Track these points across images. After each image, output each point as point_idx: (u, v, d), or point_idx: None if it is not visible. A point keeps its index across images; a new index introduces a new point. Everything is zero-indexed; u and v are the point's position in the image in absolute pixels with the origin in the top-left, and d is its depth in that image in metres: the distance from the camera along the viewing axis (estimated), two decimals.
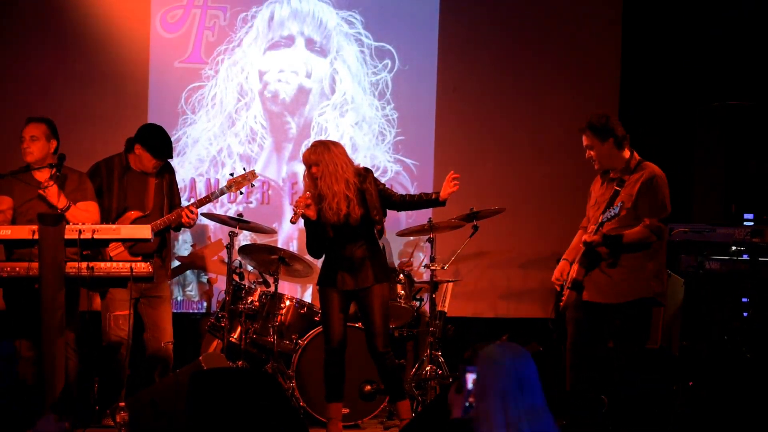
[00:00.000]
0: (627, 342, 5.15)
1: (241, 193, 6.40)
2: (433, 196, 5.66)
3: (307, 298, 7.15)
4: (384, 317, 5.55)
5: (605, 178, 5.38)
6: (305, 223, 5.58)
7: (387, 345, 5.56)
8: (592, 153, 5.29)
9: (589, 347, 5.26)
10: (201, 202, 6.11)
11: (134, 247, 5.86)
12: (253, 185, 6.32)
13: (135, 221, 5.94)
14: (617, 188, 5.22)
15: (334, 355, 5.57)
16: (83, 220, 5.47)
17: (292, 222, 5.55)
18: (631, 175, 5.22)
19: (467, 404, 3.12)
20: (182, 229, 6.32)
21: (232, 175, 6.23)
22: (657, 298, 5.20)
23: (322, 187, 5.41)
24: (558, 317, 5.46)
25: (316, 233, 5.54)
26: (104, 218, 5.82)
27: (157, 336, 6.06)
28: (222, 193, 6.19)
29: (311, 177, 5.46)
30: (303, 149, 5.80)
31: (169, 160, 6.15)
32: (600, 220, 5.13)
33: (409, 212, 7.42)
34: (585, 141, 5.31)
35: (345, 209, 5.41)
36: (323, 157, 5.42)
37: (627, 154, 5.27)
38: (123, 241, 5.64)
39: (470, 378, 3.13)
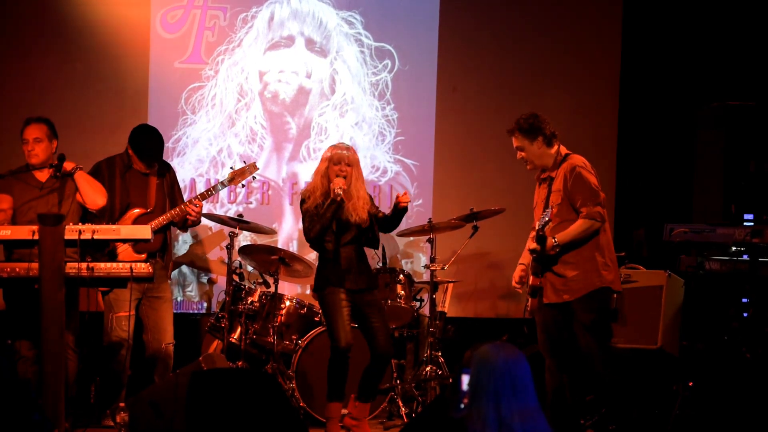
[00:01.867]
0: (596, 336, 5.16)
1: (243, 185, 6.42)
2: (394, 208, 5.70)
3: (307, 298, 7.15)
4: (386, 319, 5.75)
5: (539, 180, 5.42)
6: (323, 208, 5.53)
7: (391, 345, 5.73)
8: (523, 154, 5.34)
9: (559, 349, 5.28)
10: (203, 196, 6.13)
11: (138, 245, 5.87)
12: (254, 177, 6.33)
13: (138, 218, 5.96)
14: (549, 187, 5.27)
15: (343, 355, 5.57)
16: (93, 184, 5.59)
17: (338, 200, 5.48)
18: (558, 170, 5.26)
19: (461, 405, 3.13)
20: (188, 228, 6.33)
21: (232, 168, 6.26)
22: (611, 287, 5.22)
23: (351, 189, 5.59)
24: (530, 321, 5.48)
25: (328, 219, 5.55)
26: (107, 216, 5.83)
27: (158, 337, 6.06)
28: (224, 185, 6.20)
29: (333, 172, 5.55)
30: (315, 148, 5.77)
31: (157, 162, 6.13)
32: (537, 227, 5.17)
33: (409, 212, 7.42)
34: (515, 143, 5.36)
35: (365, 216, 5.64)
36: (357, 161, 5.68)
37: (554, 150, 5.30)
38: (123, 241, 5.65)
39: (465, 379, 3.14)
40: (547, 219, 5.09)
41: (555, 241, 5.11)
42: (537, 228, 5.15)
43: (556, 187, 5.23)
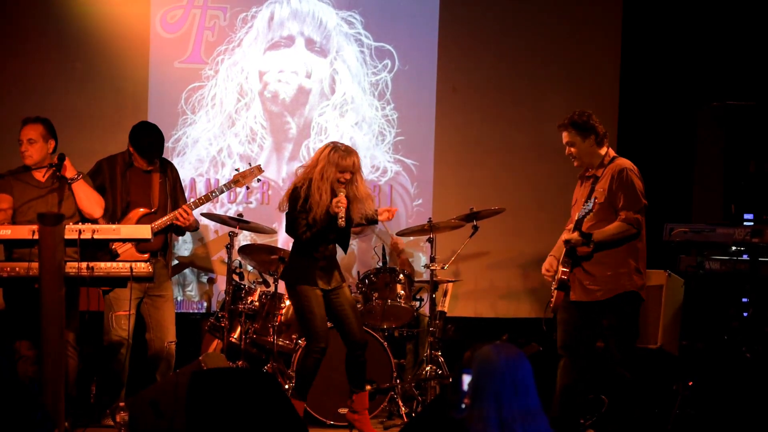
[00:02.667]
0: (619, 338, 5.15)
1: (248, 188, 6.42)
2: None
3: None
4: (357, 311, 5.72)
5: (582, 178, 5.42)
6: (322, 221, 5.38)
7: (364, 335, 5.71)
8: (572, 150, 5.33)
9: (578, 348, 5.26)
10: (207, 198, 6.12)
11: (140, 244, 5.87)
12: (259, 180, 6.33)
13: (141, 218, 5.95)
14: (593, 185, 5.26)
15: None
16: (90, 196, 5.57)
17: (341, 226, 5.37)
18: (605, 170, 5.25)
19: (462, 405, 3.12)
20: (184, 233, 6.33)
21: (237, 170, 6.26)
22: (639, 292, 5.21)
23: (358, 192, 5.50)
24: (550, 318, 5.46)
25: (325, 232, 5.47)
26: (109, 215, 5.82)
27: (160, 336, 6.06)
28: (228, 187, 6.20)
29: (337, 180, 5.41)
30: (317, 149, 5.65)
31: (157, 159, 6.12)
32: (576, 219, 5.16)
33: (409, 212, 7.46)
34: (566, 138, 5.33)
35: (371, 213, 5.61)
36: (360, 167, 5.56)
37: (604, 151, 5.30)
38: (123, 241, 5.65)
39: (465, 380, 3.14)
40: (590, 208, 5.07)
41: (592, 238, 5.09)
42: (577, 218, 5.13)
43: (601, 187, 5.21)
